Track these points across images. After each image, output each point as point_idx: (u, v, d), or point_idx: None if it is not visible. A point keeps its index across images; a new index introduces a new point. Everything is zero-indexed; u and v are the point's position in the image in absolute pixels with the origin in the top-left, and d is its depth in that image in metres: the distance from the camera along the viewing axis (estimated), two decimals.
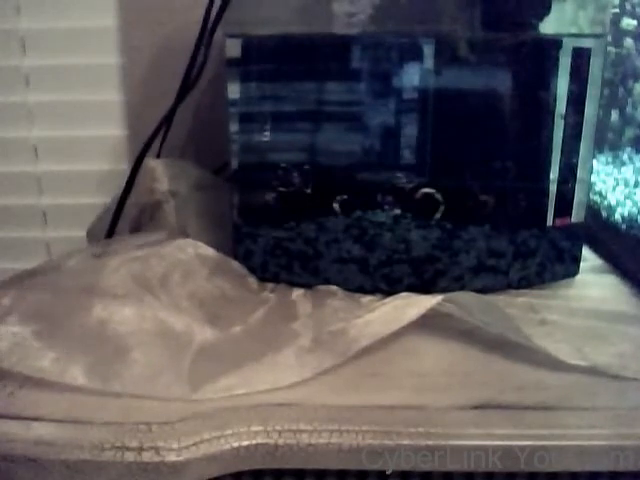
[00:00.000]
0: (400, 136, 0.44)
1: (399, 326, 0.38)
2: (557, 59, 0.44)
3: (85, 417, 0.33)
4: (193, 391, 0.35)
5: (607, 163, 0.54)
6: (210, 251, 0.49)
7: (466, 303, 0.40)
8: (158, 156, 0.60)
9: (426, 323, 0.40)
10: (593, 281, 0.49)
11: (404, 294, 0.43)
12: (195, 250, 0.48)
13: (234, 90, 0.46)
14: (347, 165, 0.45)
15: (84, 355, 0.36)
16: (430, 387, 0.36)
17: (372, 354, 0.38)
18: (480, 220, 0.46)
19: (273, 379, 0.36)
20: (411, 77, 0.43)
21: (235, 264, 0.49)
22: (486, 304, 0.40)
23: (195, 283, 0.45)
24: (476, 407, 0.34)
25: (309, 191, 0.46)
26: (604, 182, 0.54)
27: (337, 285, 0.47)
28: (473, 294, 0.41)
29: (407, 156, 0.45)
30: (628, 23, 0.50)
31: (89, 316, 0.39)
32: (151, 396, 0.34)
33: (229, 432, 0.33)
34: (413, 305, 0.39)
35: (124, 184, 0.55)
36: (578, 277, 0.50)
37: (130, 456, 0.31)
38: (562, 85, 0.45)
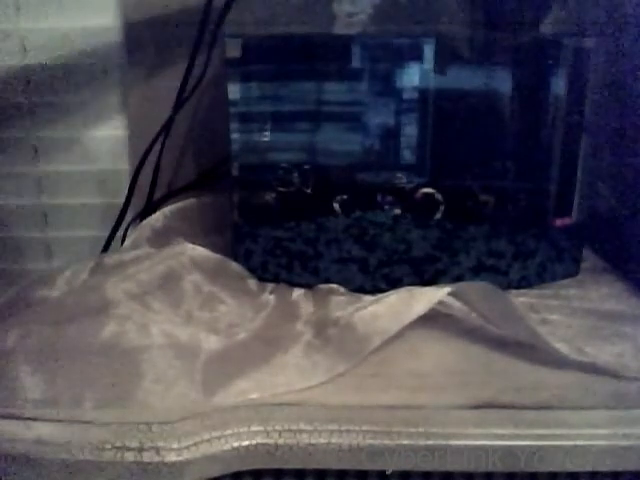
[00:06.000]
0: (400, 136, 0.44)
1: (408, 321, 0.38)
2: (557, 59, 0.44)
3: (85, 417, 0.33)
4: (208, 398, 0.34)
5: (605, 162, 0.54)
6: (206, 254, 0.49)
7: (472, 296, 0.40)
8: (159, 159, 0.60)
9: (426, 323, 0.40)
10: (593, 281, 0.49)
11: (407, 287, 0.43)
12: (191, 255, 0.48)
13: (234, 90, 0.46)
14: (347, 165, 0.45)
15: (94, 385, 0.35)
16: (430, 387, 0.36)
17: (372, 354, 0.38)
18: (480, 220, 0.46)
19: (286, 381, 0.36)
20: (411, 77, 0.43)
21: (234, 265, 0.49)
22: (494, 295, 0.40)
23: (194, 292, 0.45)
24: (476, 407, 0.34)
25: (309, 191, 0.46)
26: (603, 181, 0.54)
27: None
28: (481, 284, 0.40)
29: (407, 156, 0.45)
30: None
31: (96, 340, 0.38)
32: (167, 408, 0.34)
33: (229, 432, 0.33)
34: (419, 298, 0.39)
35: (124, 184, 0.55)
36: (578, 277, 0.50)
37: (130, 456, 0.31)
38: (562, 85, 0.45)
